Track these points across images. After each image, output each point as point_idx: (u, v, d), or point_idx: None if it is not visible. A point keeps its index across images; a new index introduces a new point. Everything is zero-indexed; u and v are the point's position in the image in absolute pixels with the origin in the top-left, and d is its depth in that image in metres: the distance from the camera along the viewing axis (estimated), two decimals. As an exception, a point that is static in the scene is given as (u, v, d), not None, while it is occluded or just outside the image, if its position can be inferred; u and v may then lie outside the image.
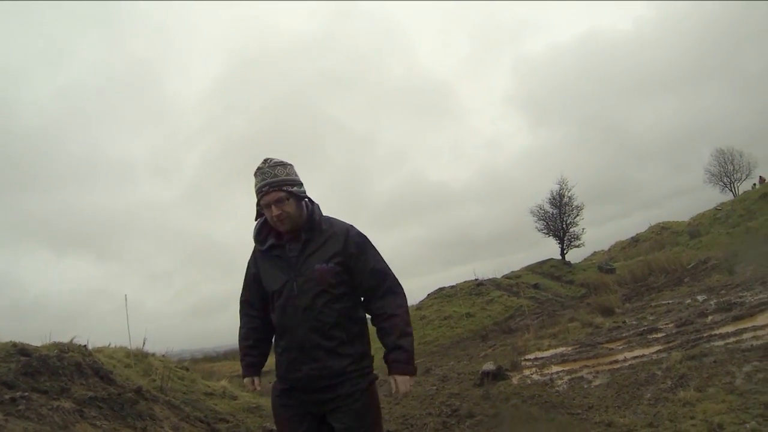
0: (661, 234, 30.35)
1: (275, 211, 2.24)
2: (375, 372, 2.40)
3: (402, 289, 2.39)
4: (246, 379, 2.55)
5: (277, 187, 2.24)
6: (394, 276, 2.42)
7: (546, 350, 9.01)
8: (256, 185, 2.30)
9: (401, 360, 2.23)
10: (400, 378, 2.23)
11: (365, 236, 2.42)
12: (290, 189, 2.27)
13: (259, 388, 2.56)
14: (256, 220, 2.44)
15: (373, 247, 2.42)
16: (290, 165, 2.36)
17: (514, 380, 7.06)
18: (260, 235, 2.40)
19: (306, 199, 2.36)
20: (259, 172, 2.28)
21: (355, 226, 2.43)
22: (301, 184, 2.37)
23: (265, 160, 2.32)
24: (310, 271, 2.26)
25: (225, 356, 27.64)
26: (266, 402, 8.90)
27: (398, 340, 2.25)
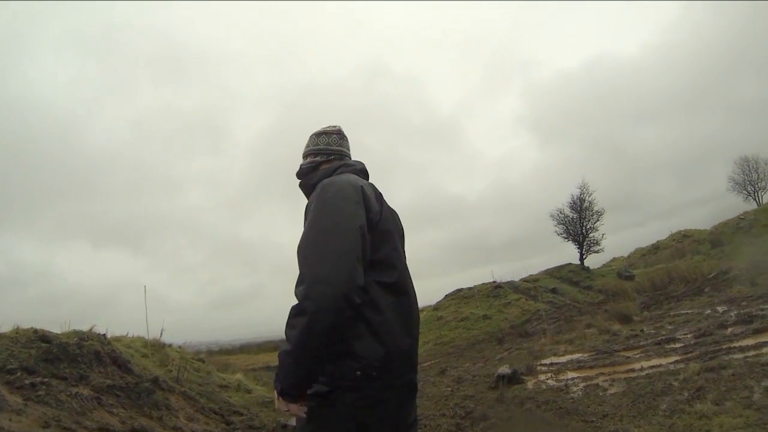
0: (683, 242, 29.85)
1: None
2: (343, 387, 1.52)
3: (317, 279, 1.45)
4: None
5: None
6: (317, 253, 1.50)
7: (562, 356, 8.98)
8: None
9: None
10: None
11: (327, 190, 1.64)
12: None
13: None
14: None
15: (323, 205, 1.60)
16: (312, 135, 2.05)
17: (529, 385, 7.07)
18: None
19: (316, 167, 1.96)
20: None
21: (340, 179, 1.72)
22: (307, 154, 2.01)
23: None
24: None
25: (241, 349, 28.05)
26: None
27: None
